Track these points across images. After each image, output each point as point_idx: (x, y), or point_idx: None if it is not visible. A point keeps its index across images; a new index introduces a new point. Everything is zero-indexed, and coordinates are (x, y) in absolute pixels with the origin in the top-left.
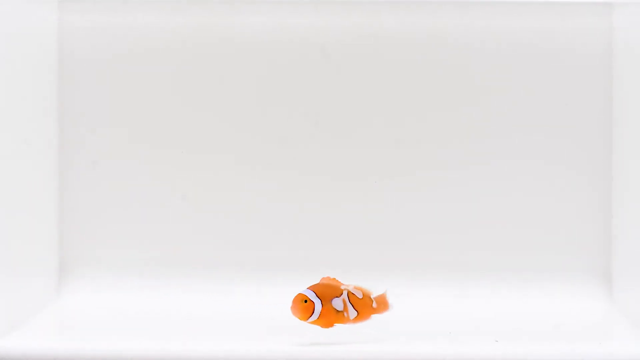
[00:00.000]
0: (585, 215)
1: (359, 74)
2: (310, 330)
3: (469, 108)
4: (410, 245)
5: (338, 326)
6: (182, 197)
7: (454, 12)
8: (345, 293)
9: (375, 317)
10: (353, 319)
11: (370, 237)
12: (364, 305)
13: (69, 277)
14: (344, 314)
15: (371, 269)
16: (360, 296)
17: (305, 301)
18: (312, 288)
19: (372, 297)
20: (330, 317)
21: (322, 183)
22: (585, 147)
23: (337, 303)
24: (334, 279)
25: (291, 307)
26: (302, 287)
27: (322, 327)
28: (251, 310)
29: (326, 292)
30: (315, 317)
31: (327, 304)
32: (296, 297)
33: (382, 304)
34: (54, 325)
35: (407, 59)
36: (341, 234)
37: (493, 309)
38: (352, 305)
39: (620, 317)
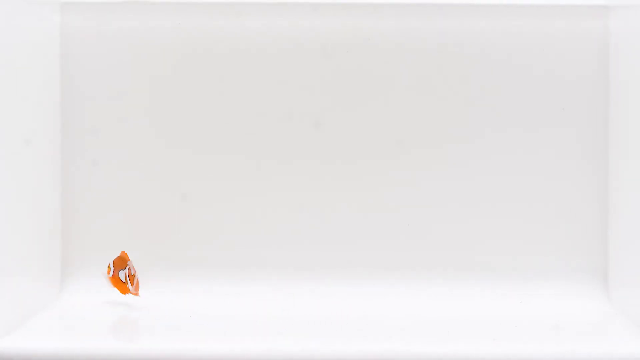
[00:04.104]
0: (582, 216)
1: (360, 74)
2: (311, 330)
3: (467, 109)
4: (410, 245)
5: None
6: (182, 197)
7: (453, 13)
8: (127, 268)
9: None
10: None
11: (371, 238)
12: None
13: (71, 276)
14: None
15: (371, 269)
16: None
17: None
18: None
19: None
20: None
21: (322, 183)
22: (582, 149)
23: (122, 274)
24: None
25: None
26: (302, 287)
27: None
28: (251, 310)
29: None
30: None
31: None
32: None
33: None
34: (56, 325)
35: (407, 59)
36: (341, 234)
37: (491, 309)
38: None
39: (619, 317)
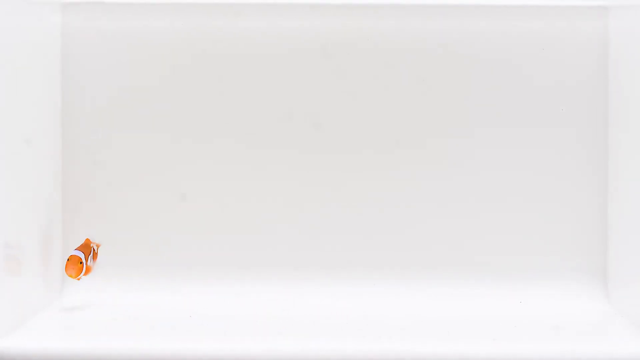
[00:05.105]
0: (582, 216)
1: (360, 74)
2: (311, 330)
3: (467, 109)
4: (410, 245)
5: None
6: (182, 197)
7: (453, 13)
8: (92, 250)
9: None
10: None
11: (370, 237)
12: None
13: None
14: (91, 267)
15: (371, 269)
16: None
17: (81, 262)
18: (81, 250)
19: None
20: (88, 271)
21: (322, 183)
22: (582, 149)
23: (90, 259)
24: (88, 239)
25: (68, 268)
26: (302, 287)
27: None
28: (251, 310)
29: (86, 251)
30: (82, 274)
31: (87, 261)
32: (73, 258)
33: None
34: (56, 325)
35: (407, 59)
36: (342, 234)
37: (491, 309)
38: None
39: (618, 317)
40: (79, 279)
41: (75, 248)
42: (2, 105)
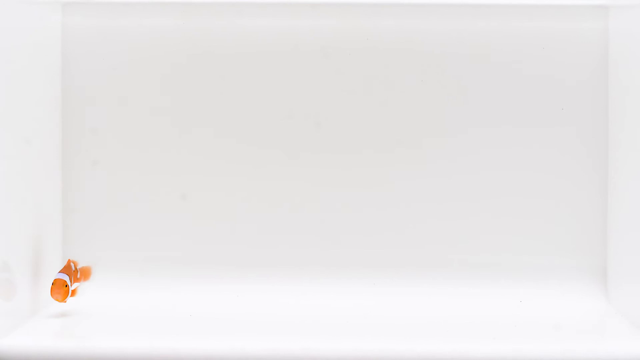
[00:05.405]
0: (582, 216)
1: (360, 74)
2: (311, 330)
3: (467, 109)
4: (410, 245)
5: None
6: (182, 197)
7: (453, 13)
8: (76, 270)
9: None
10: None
11: (371, 237)
12: (76, 279)
13: None
14: (76, 290)
15: (370, 269)
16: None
17: (66, 285)
18: (65, 272)
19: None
20: (74, 292)
21: (322, 183)
22: (582, 149)
23: (72, 280)
24: (70, 259)
25: (54, 292)
26: (302, 287)
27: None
28: (251, 310)
29: (69, 273)
30: (68, 296)
31: (72, 283)
32: (58, 282)
33: (84, 274)
34: (56, 325)
35: (407, 59)
36: (342, 234)
37: (491, 309)
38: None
39: (618, 316)
40: (65, 302)
41: (59, 271)
42: (2, 105)
